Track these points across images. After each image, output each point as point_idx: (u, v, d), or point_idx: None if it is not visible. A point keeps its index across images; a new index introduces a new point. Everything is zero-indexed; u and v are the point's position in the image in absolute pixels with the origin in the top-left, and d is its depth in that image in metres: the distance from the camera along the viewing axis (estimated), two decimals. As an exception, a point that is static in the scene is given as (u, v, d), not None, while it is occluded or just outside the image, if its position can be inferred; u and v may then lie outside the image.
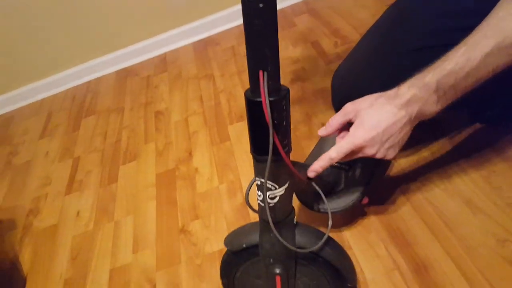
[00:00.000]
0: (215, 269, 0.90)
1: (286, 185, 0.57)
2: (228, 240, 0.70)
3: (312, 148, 0.91)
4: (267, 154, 0.50)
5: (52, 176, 1.33)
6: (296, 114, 1.21)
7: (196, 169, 1.16)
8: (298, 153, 1.08)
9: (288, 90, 0.50)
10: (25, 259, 1.08)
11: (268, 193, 0.56)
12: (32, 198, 1.27)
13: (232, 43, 1.64)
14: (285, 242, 0.58)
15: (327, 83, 1.28)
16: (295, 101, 1.25)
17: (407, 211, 0.87)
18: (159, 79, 1.61)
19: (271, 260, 0.64)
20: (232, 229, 0.94)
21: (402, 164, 0.96)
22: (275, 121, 0.49)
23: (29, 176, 1.36)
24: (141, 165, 1.25)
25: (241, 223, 0.97)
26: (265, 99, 0.46)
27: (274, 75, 0.47)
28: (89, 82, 1.76)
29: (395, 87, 0.62)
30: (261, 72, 0.45)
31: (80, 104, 1.64)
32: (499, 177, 0.86)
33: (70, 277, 1.00)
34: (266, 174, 0.52)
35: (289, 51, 1.48)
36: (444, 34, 0.72)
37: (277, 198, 0.57)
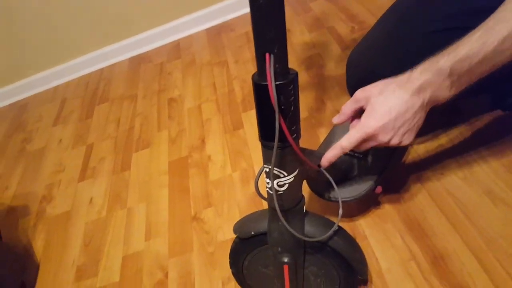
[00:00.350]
0: (227, 258, 0.91)
1: (295, 173, 0.57)
2: (237, 227, 0.71)
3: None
4: (272, 140, 0.50)
5: (66, 163, 1.36)
6: (311, 101, 1.21)
7: (209, 157, 1.17)
8: (313, 141, 1.08)
9: (296, 74, 0.50)
10: (38, 245, 1.12)
11: (276, 181, 0.56)
12: (46, 185, 1.31)
13: (247, 29, 1.64)
14: (292, 231, 0.58)
15: (343, 69, 1.27)
16: (311, 88, 1.25)
17: (424, 200, 0.87)
18: (173, 66, 1.62)
19: (279, 249, 0.65)
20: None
21: (420, 152, 0.95)
22: (282, 106, 0.49)
23: (42, 163, 1.40)
24: (154, 152, 1.27)
25: (254, 210, 0.98)
26: (271, 83, 0.46)
27: (282, 58, 0.46)
28: (102, 69, 1.79)
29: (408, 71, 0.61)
30: (267, 55, 0.45)
31: (94, 91, 1.67)
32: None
33: (82, 264, 1.03)
34: (273, 161, 0.52)
35: (304, 37, 1.47)
36: (464, 16, 0.71)
37: (286, 186, 0.57)
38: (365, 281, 0.78)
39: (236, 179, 1.08)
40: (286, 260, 0.65)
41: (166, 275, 0.93)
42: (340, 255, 0.66)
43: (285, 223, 0.57)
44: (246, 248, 0.71)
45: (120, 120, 1.46)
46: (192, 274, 0.92)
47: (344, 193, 0.77)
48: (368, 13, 1.45)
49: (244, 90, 1.35)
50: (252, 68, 1.42)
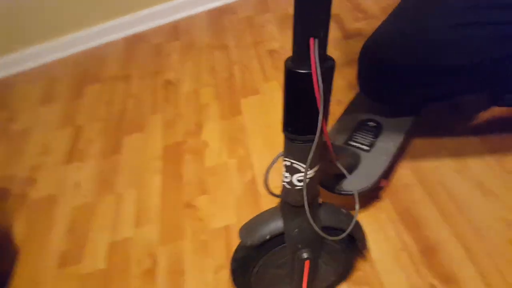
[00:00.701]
0: (221, 246, 0.89)
1: (317, 167, 0.55)
2: (245, 233, 0.64)
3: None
4: (304, 134, 0.48)
5: (52, 144, 1.33)
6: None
7: (206, 143, 1.15)
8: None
9: (334, 61, 0.47)
10: (19, 230, 1.09)
11: (296, 175, 0.54)
12: (29, 167, 1.27)
13: (249, 12, 1.61)
14: (317, 228, 0.56)
15: (345, 58, 1.25)
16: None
17: (418, 192, 0.87)
18: (171, 47, 1.59)
19: (299, 245, 0.62)
20: (241, 206, 0.95)
21: (416, 145, 0.95)
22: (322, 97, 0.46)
23: (27, 143, 1.37)
24: (147, 136, 1.24)
25: (250, 200, 0.96)
26: (315, 71, 0.43)
27: (324, 44, 0.44)
28: (95, 48, 1.74)
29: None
30: (312, 40, 0.42)
31: (85, 70, 1.63)
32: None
33: (66, 249, 1.00)
34: (310, 156, 0.50)
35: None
36: (482, 11, 0.69)
37: (307, 181, 0.55)
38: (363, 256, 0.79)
39: (233, 166, 1.06)
40: (306, 256, 0.62)
41: (156, 263, 0.91)
42: (350, 238, 0.65)
43: (311, 220, 0.55)
44: (258, 254, 0.66)
45: (113, 102, 1.43)
46: (183, 262, 0.89)
47: (353, 185, 0.75)
48: (371, 1, 1.43)
49: (244, 75, 1.32)
50: (254, 54, 1.39)
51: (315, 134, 0.48)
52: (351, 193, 0.74)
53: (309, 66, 0.43)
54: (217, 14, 1.68)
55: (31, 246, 1.04)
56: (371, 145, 0.81)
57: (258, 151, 1.07)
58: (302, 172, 0.53)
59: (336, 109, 1.10)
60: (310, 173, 0.54)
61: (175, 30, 1.68)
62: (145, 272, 0.90)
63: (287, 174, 0.55)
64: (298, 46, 0.44)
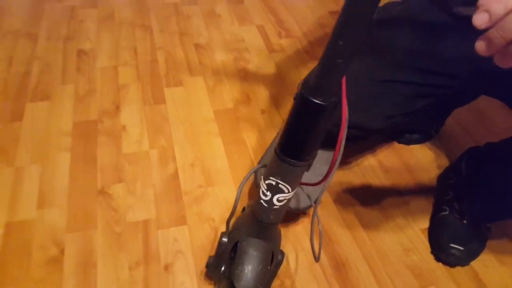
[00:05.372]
0: (137, 240, 0.82)
1: (296, 189, 0.53)
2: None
3: (249, 131, 0.93)
4: (303, 160, 0.48)
5: None
6: (237, 93, 1.16)
7: (124, 127, 1.03)
8: (236, 135, 1.04)
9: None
10: None
11: (278, 195, 0.52)
12: None
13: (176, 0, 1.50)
14: None
15: (269, 69, 1.26)
16: (238, 80, 1.20)
17: (332, 211, 0.92)
18: (86, 14, 1.38)
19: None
20: (161, 200, 0.88)
21: (338, 173, 1.00)
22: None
23: None
24: (54, 107, 1.07)
25: (171, 195, 0.91)
26: (345, 109, 0.44)
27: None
28: (-8, -8, 1.42)
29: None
30: (344, 79, 0.42)
31: (-22, 15, 1.32)
32: (408, 193, 0.97)
33: None
34: (328, 180, 0.51)
35: (234, 27, 1.40)
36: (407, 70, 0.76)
37: (284, 201, 0.53)
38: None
39: (154, 157, 0.98)
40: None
41: (63, 251, 0.79)
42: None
43: None
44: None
45: (13, 60, 1.19)
46: (94, 254, 0.80)
47: (294, 203, 0.76)
48: (294, 22, 1.46)
49: (168, 63, 1.23)
50: (179, 43, 1.29)
51: (312, 160, 0.49)
52: (303, 210, 0.76)
53: (326, 99, 0.43)
54: (141, -9, 1.51)
55: None
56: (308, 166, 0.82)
57: (180, 145, 1.01)
58: (286, 193, 0.52)
59: (261, 117, 1.10)
60: (290, 195, 0.53)
61: (92, -4, 1.47)
62: (49, 260, 0.78)
63: (267, 193, 0.53)
64: (324, 79, 0.42)
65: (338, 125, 0.67)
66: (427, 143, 1.09)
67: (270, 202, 0.53)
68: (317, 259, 0.63)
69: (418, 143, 1.09)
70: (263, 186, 0.53)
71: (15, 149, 0.96)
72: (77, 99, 1.10)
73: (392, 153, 1.07)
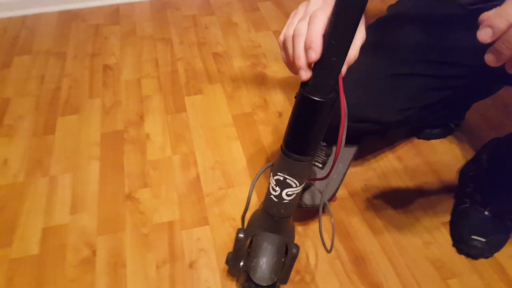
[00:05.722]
0: (163, 241, 0.87)
1: (304, 184, 0.56)
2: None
3: (266, 134, 0.97)
4: (307, 155, 0.50)
5: (-27, 114, 1.14)
6: (255, 98, 1.20)
7: (148, 135, 1.09)
8: (254, 138, 1.08)
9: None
10: None
11: (286, 190, 0.55)
12: None
13: (194, 11, 1.56)
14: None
15: (285, 72, 1.29)
16: (255, 85, 1.24)
17: (350, 207, 0.93)
18: (110, 31, 1.46)
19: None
20: (184, 203, 0.92)
21: (356, 170, 1.02)
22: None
23: None
24: (83, 120, 1.14)
25: (193, 197, 0.95)
26: (344, 103, 0.46)
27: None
28: (25, 17, 1.53)
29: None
30: (340, 76, 0.45)
31: (13, 39, 1.42)
32: (428, 188, 0.97)
33: (-8, 231, 0.88)
34: (328, 180, 0.53)
35: (251, 34, 1.45)
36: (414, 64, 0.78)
37: (294, 196, 0.56)
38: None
39: (176, 162, 1.03)
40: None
41: (94, 253, 0.85)
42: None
43: None
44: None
45: (45, 78, 1.27)
46: (123, 254, 0.85)
47: (309, 201, 0.78)
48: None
49: (188, 73, 1.28)
50: (198, 53, 1.35)
51: (309, 155, 0.51)
52: (314, 207, 0.78)
53: (325, 95, 0.45)
54: (160, 7, 1.59)
55: None
56: (323, 163, 0.85)
57: (201, 150, 1.05)
58: (294, 187, 0.55)
59: (278, 120, 1.13)
60: (298, 189, 0.55)
61: (115, 13, 1.55)
62: (83, 261, 0.84)
63: (277, 188, 0.56)
64: (320, 77, 0.45)
65: (356, 121, 0.69)
66: (448, 138, 1.09)
67: (279, 197, 0.56)
68: (329, 250, 0.65)
69: (438, 138, 1.09)
70: (272, 182, 0.56)
71: (49, 160, 1.03)
72: (104, 111, 1.17)
73: (411, 149, 1.07)
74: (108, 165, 1.02)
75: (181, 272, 0.81)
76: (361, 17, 0.41)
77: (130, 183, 0.98)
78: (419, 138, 1.09)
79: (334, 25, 0.41)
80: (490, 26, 0.37)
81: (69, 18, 1.53)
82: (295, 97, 0.49)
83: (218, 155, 1.04)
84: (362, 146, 0.96)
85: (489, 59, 0.40)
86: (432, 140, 1.08)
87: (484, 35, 0.38)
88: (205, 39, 1.42)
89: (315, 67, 0.44)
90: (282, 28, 1.45)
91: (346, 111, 0.48)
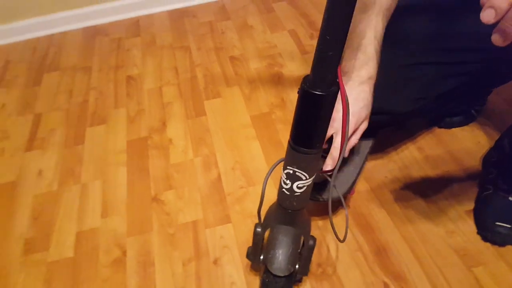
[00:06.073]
0: (188, 239, 0.91)
1: (314, 176, 0.58)
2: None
3: (284, 132, 0.98)
4: (313, 147, 0.52)
5: (10, 130, 1.23)
6: (272, 98, 1.23)
7: (170, 140, 1.14)
8: (273, 137, 1.10)
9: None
10: (-22, 214, 1.01)
11: (297, 183, 0.57)
12: (-14, 151, 1.17)
13: (210, 18, 1.61)
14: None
15: (302, 71, 1.31)
16: (272, 85, 1.26)
17: (371, 200, 0.94)
18: (131, 43, 1.53)
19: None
20: (207, 203, 0.96)
21: (369, 158, 1.02)
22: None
23: (-19, 127, 1.25)
24: (110, 129, 1.20)
25: (215, 197, 0.98)
26: (344, 95, 0.48)
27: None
28: (52, 36, 1.63)
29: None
30: (339, 68, 0.46)
31: (42, 57, 1.52)
32: (451, 177, 0.96)
33: (31, 237, 0.95)
34: (335, 173, 0.56)
35: (267, 35, 1.48)
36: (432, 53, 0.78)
37: (304, 188, 0.58)
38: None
39: (198, 164, 1.07)
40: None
41: (125, 253, 0.90)
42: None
43: None
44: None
45: (73, 92, 1.35)
46: (152, 253, 0.89)
47: (326, 195, 0.80)
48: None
49: (206, 78, 1.33)
50: (216, 58, 1.39)
51: (321, 148, 0.53)
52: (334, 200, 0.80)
53: (325, 89, 0.47)
54: (178, 16, 1.65)
55: (-9, 233, 0.97)
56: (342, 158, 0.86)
57: (222, 151, 1.09)
58: (304, 180, 0.57)
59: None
60: (308, 181, 0.57)
61: (135, 26, 1.62)
62: (114, 261, 0.89)
63: (288, 182, 0.58)
64: (319, 72, 0.47)
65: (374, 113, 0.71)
66: (470, 125, 1.08)
67: (291, 189, 0.58)
68: (342, 240, 0.67)
69: (460, 126, 1.08)
70: (283, 176, 0.58)
71: (80, 169, 1.10)
72: (129, 120, 1.22)
73: (432, 138, 1.06)
74: (134, 170, 1.07)
75: (206, 269, 0.85)
76: (353, 10, 0.43)
77: (156, 186, 1.03)
78: (440, 127, 1.08)
79: (327, 21, 0.43)
80: (492, 7, 0.38)
81: (93, 33, 1.61)
82: (298, 92, 0.51)
83: (238, 155, 1.07)
84: (382, 139, 0.97)
85: (496, 39, 0.40)
86: (453, 129, 1.07)
87: (487, 16, 0.39)
88: (222, 44, 1.46)
89: (313, 61, 0.47)
90: (297, 27, 1.48)
91: (348, 103, 0.50)
